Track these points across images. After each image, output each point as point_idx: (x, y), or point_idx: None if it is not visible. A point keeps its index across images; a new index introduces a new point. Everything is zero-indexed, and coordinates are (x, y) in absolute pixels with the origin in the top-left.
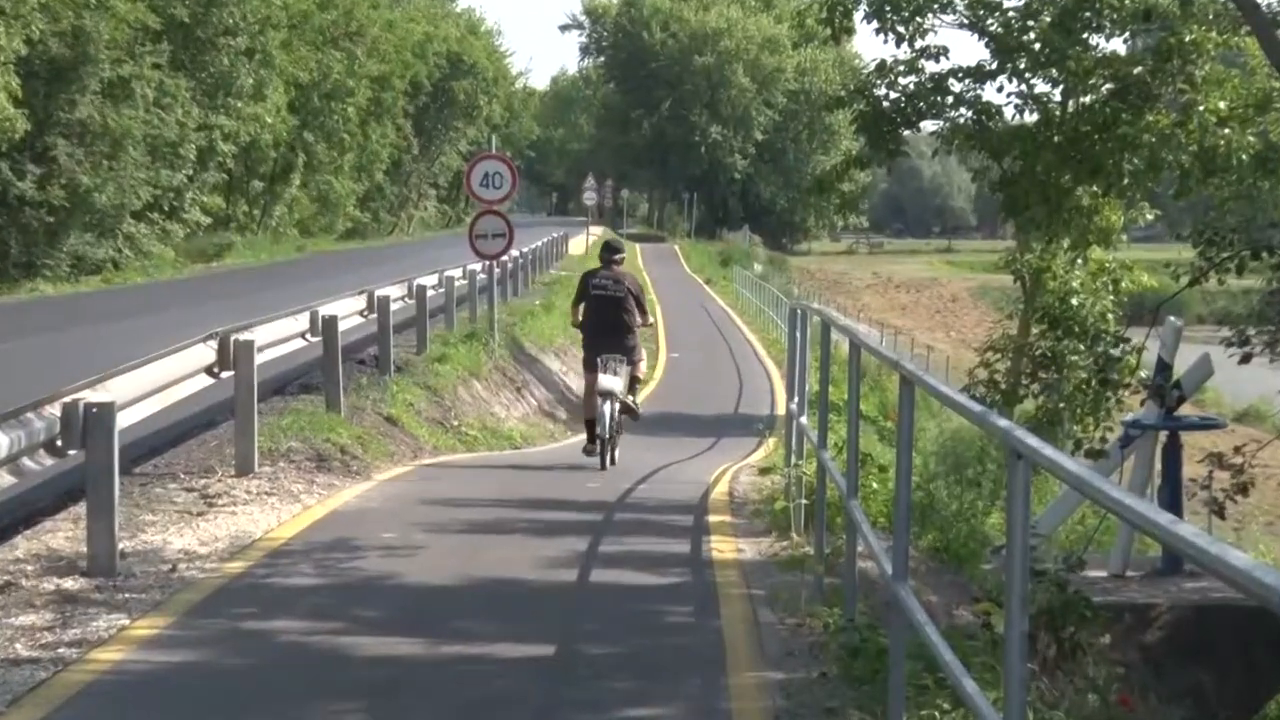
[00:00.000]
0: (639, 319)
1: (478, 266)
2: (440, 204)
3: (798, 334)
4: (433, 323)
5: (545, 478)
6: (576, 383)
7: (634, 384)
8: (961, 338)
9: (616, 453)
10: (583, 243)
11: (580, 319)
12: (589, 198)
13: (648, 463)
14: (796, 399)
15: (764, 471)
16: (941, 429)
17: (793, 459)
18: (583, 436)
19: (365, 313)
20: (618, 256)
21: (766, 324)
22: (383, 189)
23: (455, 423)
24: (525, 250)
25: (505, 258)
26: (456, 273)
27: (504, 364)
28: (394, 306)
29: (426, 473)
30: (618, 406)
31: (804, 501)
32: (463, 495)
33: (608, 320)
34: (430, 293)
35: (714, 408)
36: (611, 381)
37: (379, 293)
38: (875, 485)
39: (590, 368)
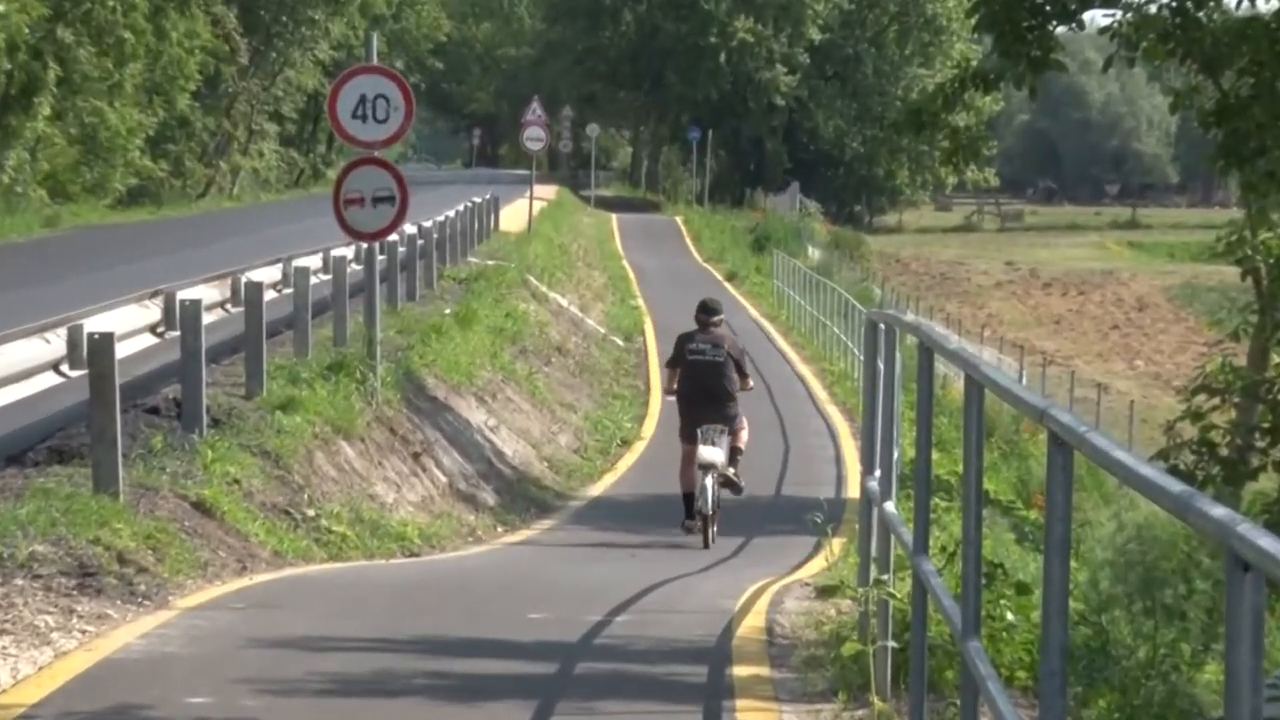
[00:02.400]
0: (740, 384)
1: (348, 251)
2: (286, 148)
3: (879, 364)
4: (274, 346)
5: (465, 602)
6: (511, 444)
7: (735, 455)
8: (1154, 370)
9: (714, 529)
10: (523, 212)
11: (674, 386)
12: (534, 138)
13: (630, 578)
14: (879, 473)
15: (824, 593)
16: (1121, 522)
17: (872, 572)
18: (527, 534)
19: (160, 329)
20: (715, 318)
21: (828, 347)
22: (190, 123)
23: (310, 512)
24: (428, 224)
25: (395, 237)
26: (312, 262)
27: (392, 414)
28: (208, 319)
29: (262, 595)
30: (718, 480)
31: (891, 644)
32: (322, 633)
33: (706, 388)
34: (269, 295)
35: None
36: (712, 454)
37: (184, 296)
38: (1011, 617)
39: (688, 439)
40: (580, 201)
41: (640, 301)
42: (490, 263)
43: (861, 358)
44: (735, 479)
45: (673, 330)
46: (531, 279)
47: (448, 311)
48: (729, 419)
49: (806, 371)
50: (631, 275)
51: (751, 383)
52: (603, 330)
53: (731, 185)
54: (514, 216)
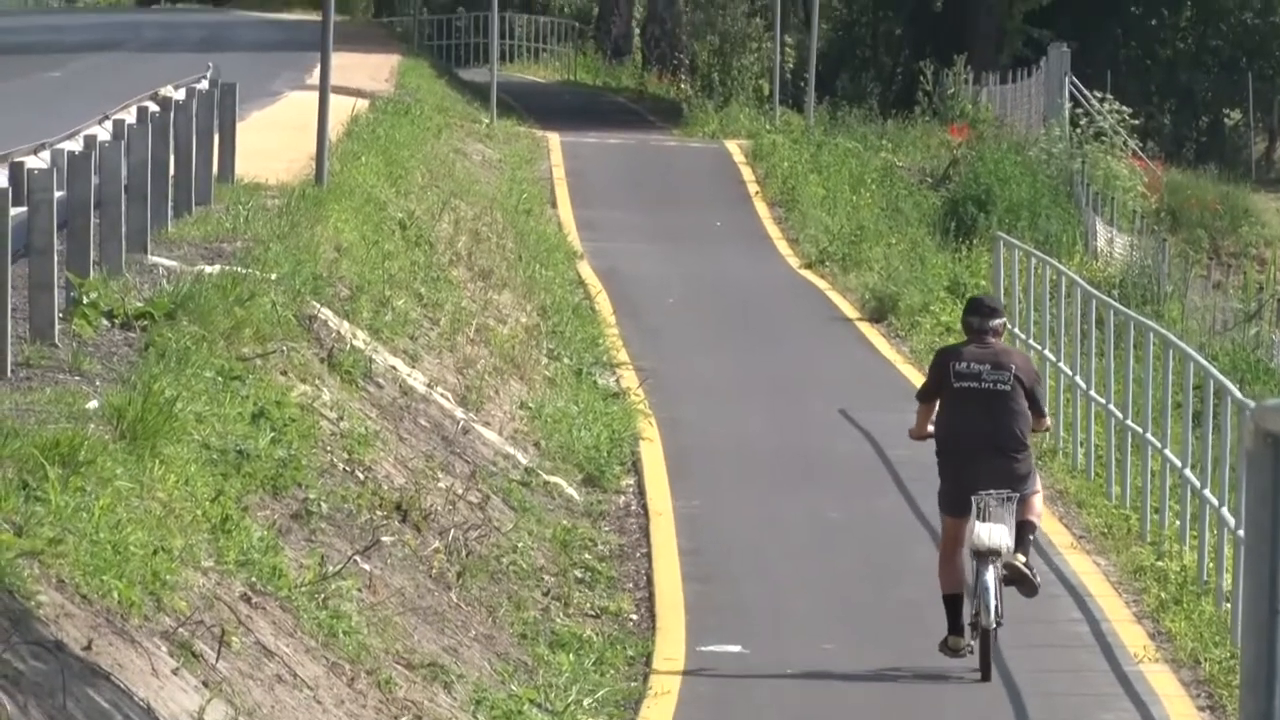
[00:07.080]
0: (1032, 422)
1: None
2: None
3: None
4: None
5: None
6: None
7: (1025, 534)
8: None
9: (995, 648)
10: (301, 130)
11: (930, 428)
12: None
13: None
14: None
15: None
16: None
17: None
18: None
19: None
20: (995, 323)
21: (1150, 503)
22: None
23: None
24: (40, 164)
25: None
26: None
27: None
28: None
29: None
30: (1003, 574)
31: None
32: None
33: (984, 430)
34: None
35: None
36: (994, 535)
37: None
38: None
39: (955, 509)
40: (461, 99)
41: (629, 375)
42: (210, 269)
43: (1244, 543)
44: (1028, 571)
45: (714, 454)
46: (325, 312)
47: (93, 405)
48: (1017, 479)
49: (1091, 574)
50: (605, 300)
51: (1048, 423)
52: (523, 457)
53: (879, 57)
54: (278, 141)
